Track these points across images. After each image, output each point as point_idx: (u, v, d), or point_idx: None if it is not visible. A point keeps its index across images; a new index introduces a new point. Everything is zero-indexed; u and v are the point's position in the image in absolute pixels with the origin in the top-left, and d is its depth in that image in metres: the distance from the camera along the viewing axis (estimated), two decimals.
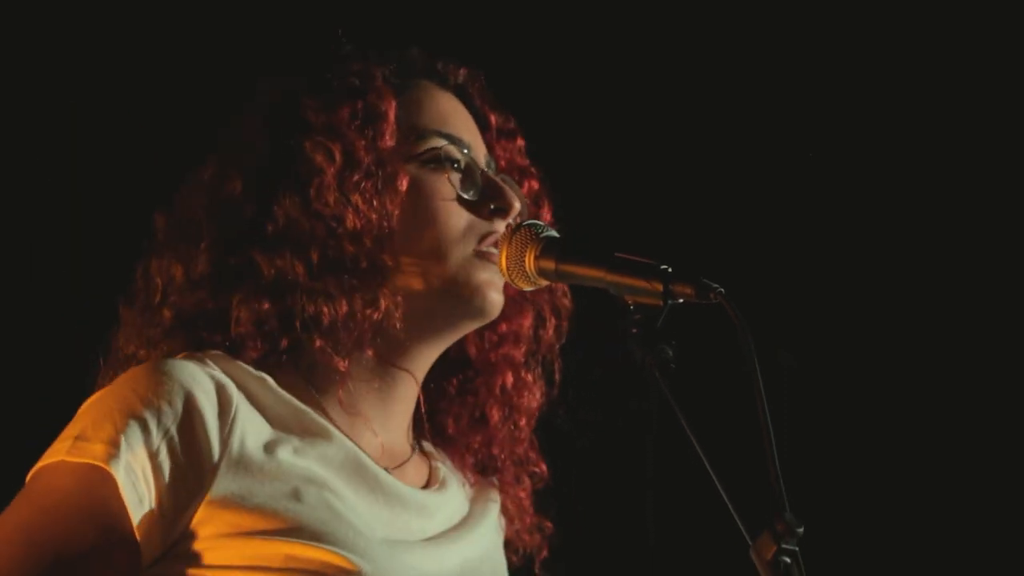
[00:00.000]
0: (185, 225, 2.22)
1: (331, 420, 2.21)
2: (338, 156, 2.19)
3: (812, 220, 3.86)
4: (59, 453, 2.01)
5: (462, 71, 2.38)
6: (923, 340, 3.87)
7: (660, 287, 2.04)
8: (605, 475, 3.69)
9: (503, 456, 2.41)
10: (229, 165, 2.23)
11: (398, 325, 2.19)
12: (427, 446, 2.38)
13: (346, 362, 2.19)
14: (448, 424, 2.41)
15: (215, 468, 2.02)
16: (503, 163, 2.39)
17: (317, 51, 2.33)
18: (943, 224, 3.87)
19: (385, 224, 2.18)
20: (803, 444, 3.62)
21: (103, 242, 3.14)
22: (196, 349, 2.16)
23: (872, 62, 3.84)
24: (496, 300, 2.25)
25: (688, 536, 3.68)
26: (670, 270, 2.06)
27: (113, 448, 1.97)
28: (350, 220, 2.17)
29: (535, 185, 2.42)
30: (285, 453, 2.08)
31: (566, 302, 2.43)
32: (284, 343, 2.18)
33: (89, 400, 2.08)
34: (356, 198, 2.17)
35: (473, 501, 2.36)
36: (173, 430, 2.01)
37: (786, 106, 3.83)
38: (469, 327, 2.29)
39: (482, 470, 2.41)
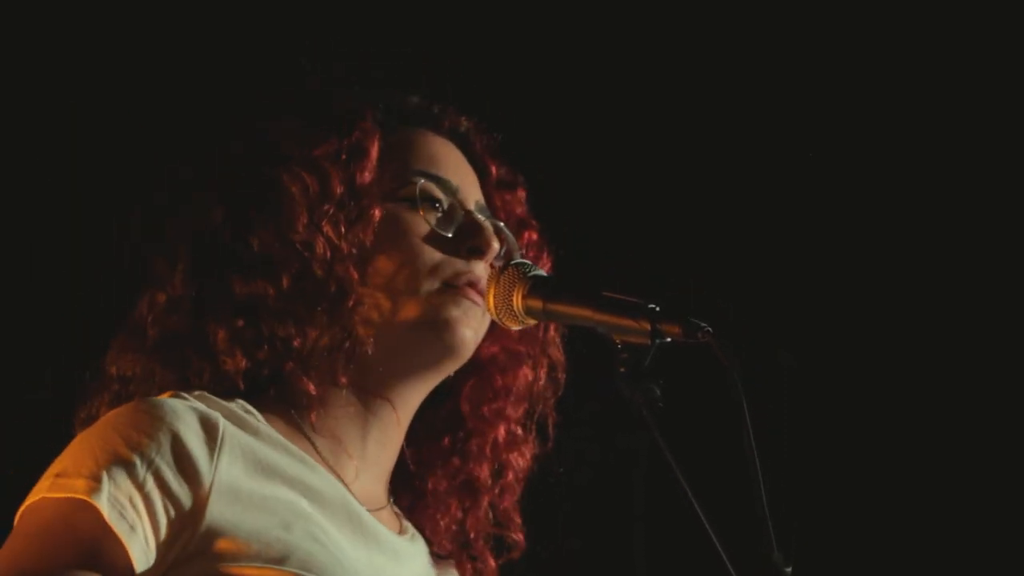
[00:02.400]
0: (168, 253, 2.27)
1: (317, 452, 2.23)
2: (313, 187, 2.22)
3: (811, 220, 3.85)
4: (41, 491, 2.05)
5: (463, 119, 2.40)
6: (923, 340, 3.86)
7: (648, 326, 2.05)
8: (594, 510, 3.70)
9: (476, 530, 2.41)
10: (211, 194, 2.28)
11: (370, 352, 2.21)
12: (395, 507, 2.39)
13: (318, 387, 2.21)
14: (429, 483, 2.40)
15: (206, 496, 2.04)
16: (501, 214, 2.40)
17: (310, 86, 2.36)
18: (942, 224, 3.86)
19: (356, 253, 2.21)
20: (802, 444, 3.63)
21: (103, 242, 3.15)
22: (180, 372, 2.20)
23: (871, 62, 3.82)
24: (467, 337, 2.25)
25: (677, 573, 3.69)
26: (658, 309, 2.06)
27: (94, 482, 2.00)
28: (320, 247, 2.20)
29: (534, 236, 2.42)
30: (273, 486, 2.10)
31: (558, 354, 2.43)
32: (267, 370, 2.21)
33: (73, 441, 2.11)
34: (327, 227, 2.21)
35: (437, 568, 2.37)
36: (159, 461, 2.03)
37: (787, 108, 3.82)
38: (445, 366, 2.28)
39: (452, 538, 2.42)
